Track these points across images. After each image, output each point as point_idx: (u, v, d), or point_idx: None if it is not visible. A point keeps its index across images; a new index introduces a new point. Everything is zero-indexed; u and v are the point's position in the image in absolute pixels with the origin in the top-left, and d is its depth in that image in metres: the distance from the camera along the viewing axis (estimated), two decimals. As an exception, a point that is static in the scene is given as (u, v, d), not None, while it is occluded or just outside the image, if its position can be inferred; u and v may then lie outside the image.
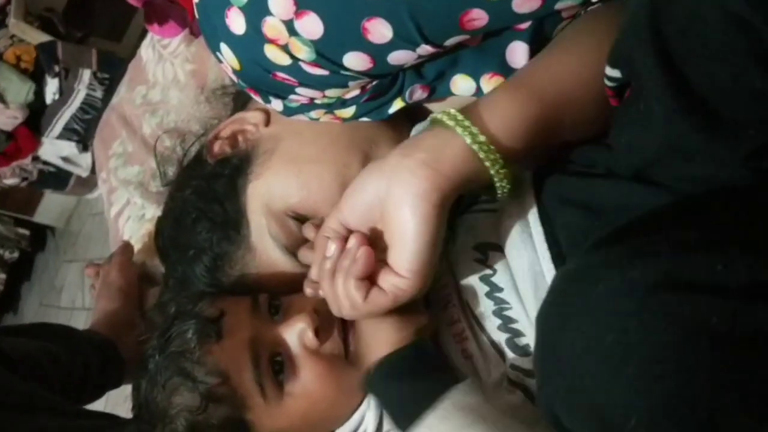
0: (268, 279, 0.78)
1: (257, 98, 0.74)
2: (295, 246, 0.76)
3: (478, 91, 0.73)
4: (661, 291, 0.41)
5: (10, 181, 2.66)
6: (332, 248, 0.64)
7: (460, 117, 0.60)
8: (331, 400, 0.70)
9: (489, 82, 0.72)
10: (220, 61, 0.70)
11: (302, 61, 0.63)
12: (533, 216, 0.65)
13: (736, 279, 0.41)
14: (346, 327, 0.72)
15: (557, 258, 0.63)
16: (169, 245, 0.85)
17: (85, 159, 2.65)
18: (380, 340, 0.68)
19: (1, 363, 0.96)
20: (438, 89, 0.74)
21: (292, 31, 0.61)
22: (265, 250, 0.78)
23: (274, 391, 0.70)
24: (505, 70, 0.70)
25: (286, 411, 0.71)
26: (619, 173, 0.59)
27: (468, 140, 0.59)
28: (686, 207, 0.50)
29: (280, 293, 0.76)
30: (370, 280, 0.62)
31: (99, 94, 2.55)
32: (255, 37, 0.63)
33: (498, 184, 0.61)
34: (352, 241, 0.62)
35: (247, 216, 0.78)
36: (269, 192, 0.77)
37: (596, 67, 0.60)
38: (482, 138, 0.60)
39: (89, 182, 2.78)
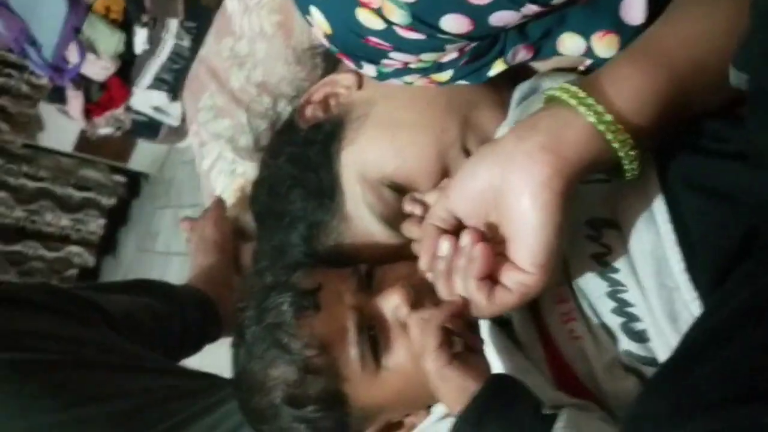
0: (365, 249, 0.76)
1: (349, 63, 0.71)
2: (391, 216, 0.73)
3: (588, 50, 0.67)
4: None
5: (104, 131, 2.72)
6: (444, 247, 0.58)
7: (582, 94, 0.54)
8: (425, 375, 0.69)
9: (601, 41, 0.65)
10: (310, 25, 0.67)
11: (396, 24, 0.59)
12: (656, 195, 0.58)
13: None
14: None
15: (684, 242, 0.57)
16: (264, 212, 0.84)
17: (175, 108, 2.69)
18: None
19: (105, 322, 0.99)
20: (543, 49, 0.69)
21: None
22: (361, 219, 0.76)
23: (371, 362, 0.69)
24: (619, 27, 0.64)
25: (381, 384, 0.70)
26: (760, 161, 0.52)
27: (592, 120, 0.53)
28: None
29: (376, 263, 0.74)
30: (490, 277, 0.57)
31: (186, 43, 2.56)
32: (346, 1, 0.59)
33: (627, 167, 0.55)
34: (466, 239, 0.57)
35: (342, 184, 0.76)
36: (363, 160, 0.75)
37: (731, 27, 0.53)
38: (609, 117, 0.53)
39: (180, 131, 2.83)
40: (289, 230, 0.79)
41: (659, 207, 0.58)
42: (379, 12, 0.59)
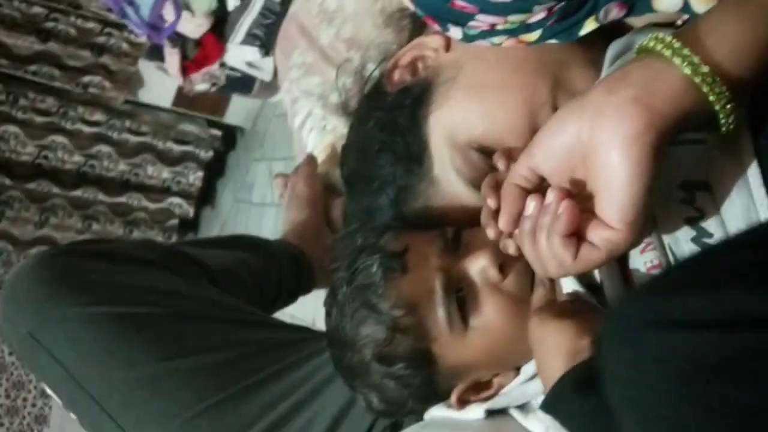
0: (452, 212, 0.77)
1: (435, 26, 0.71)
2: (479, 180, 0.73)
3: (685, 5, 0.64)
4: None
5: (200, 87, 2.80)
6: (531, 206, 0.58)
7: (677, 44, 0.51)
8: (513, 336, 0.70)
9: (700, -6, 0.63)
10: (398, -11, 0.67)
11: (483, -13, 0.59)
12: (749, 155, 0.56)
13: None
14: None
15: None
16: (353, 176, 0.86)
17: (268, 63, 2.73)
18: None
19: (205, 277, 1.04)
20: (637, 6, 0.66)
21: None
22: (449, 183, 0.76)
23: (459, 323, 0.71)
24: (718, -19, 0.61)
25: (469, 344, 0.71)
26: None
27: (688, 71, 0.50)
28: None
29: (464, 227, 0.75)
30: (576, 235, 0.56)
31: (277, -2, 2.58)
32: None
33: (723, 120, 0.52)
34: (552, 195, 0.56)
35: (430, 148, 0.76)
36: (451, 123, 0.75)
37: None
38: (705, 69, 0.50)
39: (272, 86, 2.87)
40: (377, 194, 0.80)
41: (752, 170, 0.56)
42: (465, -25, 0.59)
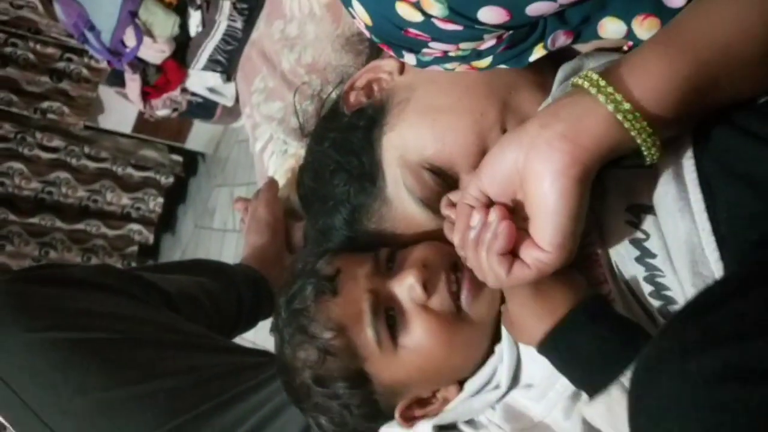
0: (404, 232, 0.78)
1: (389, 53, 0.72)
2: (431, 199, 0.75)
3: (629, 33, 0.67)
4: (719, 383, 0.39)
5: (161, 113, 2.79)
6: (476, 219, 0.61)
7: (602, 83, 0.55)
8: (444, 353, 0.72)
9: (642, 25, 0.65)
10: (353, 17, 0.69)
11: (434, 17, 0.61)
12: (692, 181, 0.59)
13: None
14: (458, 282, 0.73)
15: (719, 231, 0.57)
16: (309, 196, 0.87)
17: (230, 89, 2.73)
18: (523, 310, 0.66)
19: (164, 302, 1.04)
20: (583, 34, 0.69)
21: None
22: (401, 202, 0.77)
23: (389, 342, 0.72)
24: (660, 10, 0.64)
25: (401, 362, 0.73)
26: None
27: (610, 108, 0.54)
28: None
29: (401, 247, 0.77)
30: (513, 251, 0.60)
31: (239, 24, 2.59)
32: None
33: (646, 153, 0.56)
34: (493, 215, 0.60)
35: (383, 168, 0.78)
36: (404, 144, 0.76)
37: (763, 14, 0.53)
38: (627, 106, 0.54)
39: (234, 111, 2.87)
40: (332, 214, 0.81)
41: (695, 194, 0.58)
42: (417, 5, 0.60)
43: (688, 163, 0.60)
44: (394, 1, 0.61)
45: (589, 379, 0.62)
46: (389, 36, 0.68)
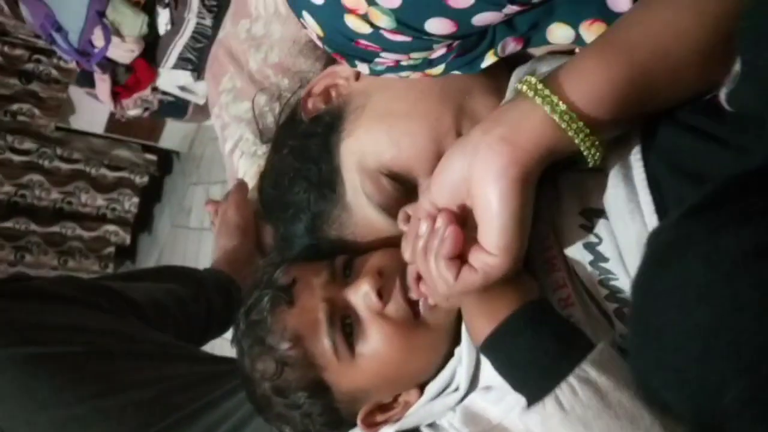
0: (365, 238, 0.79)
1: (343, 62, 0.72)
2: (389, 204, 0.75)
3: (578, 38, 0.67)
4: (752, 259, 0.39)
5: (133, 112, 2.77)
6: (423, 227, 0.62)
7: (539, 86, 0.57)
8: (402, 359, 0.72)
9: (589, 30, 0.66)
10: (304, 27, 0.69)
11: (383, 29, 0.61)
12: (641, 182, 0.60)
13: None
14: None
15: None
16: (270, 204, 0.87)
17: (201, 87, 2.72)
18: (474, 310, 0.67)
19: (132, 312, 1.03)
20: (533, 39, 0.69)
21: (370, 1, 0.58)
22: (361, 208, 0.78)
23: (346, 351, 0.72)
24: (606, 15, 0.65)
25: (360, 370, 0.73)
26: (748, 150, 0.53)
27: (547, 110, 0.56)
28: None
29: (358, 255, 0.77)
30: (462, 258, 0.61)
31: (208, 21, 2.57)
32: (335, 7, 0.61)
33: (586, 153, 0.57)
34: (440, 221, 0.61)
35: (342, 175, 0.78)
36: (361, 150, 0.77)
37: (697, 16, 0.54)
38: (562, 107, 0.55)
39: (206, 109, 2.84)
40: (293, 221, 0.81)
41: (644, 196, 0.59)
42: (365, 18, 0.61)
43: (637, 165, 0.61)
44: (342, 14, 0.62)
45: (526, 386, 0.62)
46: (341, 47, 0.68)
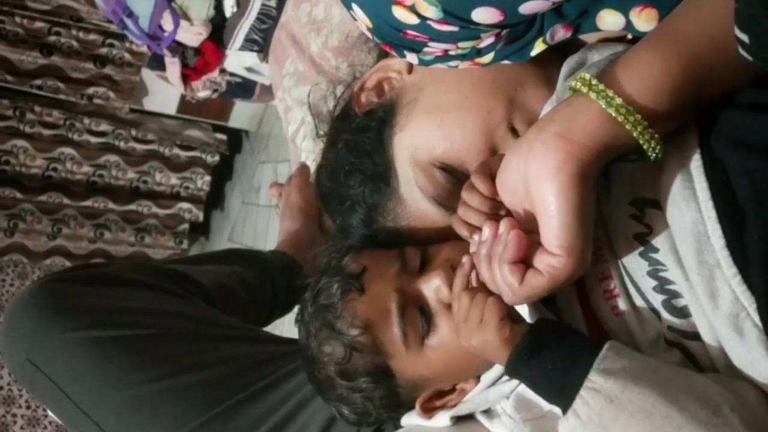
0: (419, 229, 0.79)
1: (392, 53, 0.73)
2: (443, 196, 0.76)
3: (628, 25, 0.66)
4: None
5: (202, 94, 2.83)
6: (486, 232, 0.62)
7: (594, 81, 0.56)
8: (467, 352, 0.71)
9: (639, 16, 0.65)
10: (354, 19, 0.70)
11: (430, 19, 0.61)
12: (697, 169, 0.59)
13: None
14: None
15: (726, 217, 0.57)
16: (327, 196, 0.89)
17: (267, 67, 2.74)
18: None
19: (199, 294, 1.08)
20: (583, 26, 0.68)
21: None
22: (415, 201, 0.78)
23: (416, 341, 0.73)
24: (657, 1, 0.63)
25: (426, 360, 0.74)
26: None
27: (603, 104, 0.55)
28: None
29: (430, 244, 0.78)
30: (527, 263, 0.60)
31: (273, 2, 2.60)
32: None
33: (646, 146, 0.56)
34: (503, 226, 0.60)
35: (395, 168, 0.79)
36: (414, 143, 0.77)
37: None
38: (618, 101, 0.54)
39: (272, 89, 2.90)
40: (350, 213, 0.83)
41: (700, 183, 0.58)
42: (413, 9, 0.61)
43: (693, 151, 0.60)
44: (390, 5, 0.62)
45: (552, 402, 0.64)
46: (390, 37, 0.68)
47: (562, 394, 0.60)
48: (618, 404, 0.57)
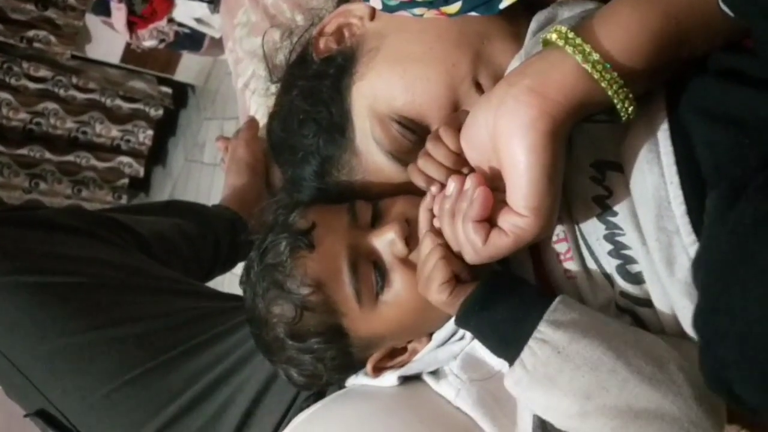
0: (374, 184, 0.77)
1: (356, -3, 0.70)
2: (400, 151, 0.73)
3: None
4: None
5: (148, 43, 2.73)
6: (451, 187, 0.60)
7: (570, 34, 0.53)
8: (422, 306, 0.70)
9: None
10: (317, -42, 0.66)
11: (398, -40, 0.58)
12: (663, 133, 0.57)
13: None
14: None
15: (688, 184, 0.56)
16: (279, 146, 0.85)
17: (217, 20, 2.67)
18: None
19: (137, 245, 1.03)
20: (554, -20, 0.66)
21: None
22: (370, 154, 0.76)
23: (370, 297, 0.71)
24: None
25: (380, 317, 0.72)
26: None
27: (579, 59, 0.52)
28: None
29: (381, 199, 0.75)
30: (491, 221, 0.58)
31: (226, -48, 2.52)
32: None
33: (619, 106, 0.54)
34: (469, 182, 0.58)
35: (352, 119, 0.76)
36: (373, 94, 0.74)
37: None
38: (596, 56, 0.52)
39: (222, 43, 2.82)
40: (302, 165, 0.80)
41: (665, 147, 0.57)
42: (379, -53, 0.58)
43: (661, 116, 0.58)
44: (356, -57, 0.59)
45: (500, 355, 0.62)
46: None
47: (511, 345, 0.59)
48: (564, 356, 0.57)
